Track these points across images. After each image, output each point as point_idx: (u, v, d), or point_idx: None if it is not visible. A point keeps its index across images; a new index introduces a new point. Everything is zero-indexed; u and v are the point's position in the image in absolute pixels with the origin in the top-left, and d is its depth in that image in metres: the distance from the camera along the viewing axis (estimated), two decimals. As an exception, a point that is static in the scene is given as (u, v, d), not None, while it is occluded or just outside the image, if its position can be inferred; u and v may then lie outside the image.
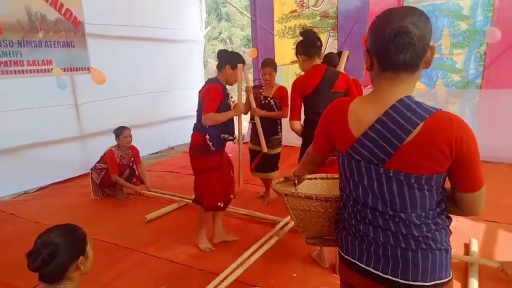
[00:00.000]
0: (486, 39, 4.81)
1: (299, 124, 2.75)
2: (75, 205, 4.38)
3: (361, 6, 5.66)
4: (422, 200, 1.12)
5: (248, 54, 6.63)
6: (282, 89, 3.91)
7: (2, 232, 3.69)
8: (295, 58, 6.70)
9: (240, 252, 3.04)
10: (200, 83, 7.61)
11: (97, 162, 4.46)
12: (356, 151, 1.16)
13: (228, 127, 3.00)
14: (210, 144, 2.91)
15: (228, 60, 2.95)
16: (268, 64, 3.88)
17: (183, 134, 7.22)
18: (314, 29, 6.04)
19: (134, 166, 4.62)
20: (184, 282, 2.75)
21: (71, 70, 5.05)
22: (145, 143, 4.75)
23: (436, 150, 1.05)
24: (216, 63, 3.03)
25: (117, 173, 4.32)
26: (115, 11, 5.65)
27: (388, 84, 1.12)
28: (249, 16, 6.79)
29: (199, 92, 2.99)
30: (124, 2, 5.80)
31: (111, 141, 4.57)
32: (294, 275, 2.77)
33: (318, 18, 6.04)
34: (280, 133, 3.96)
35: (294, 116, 2.73)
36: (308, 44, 2.69)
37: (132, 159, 4.56)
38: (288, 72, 6.22)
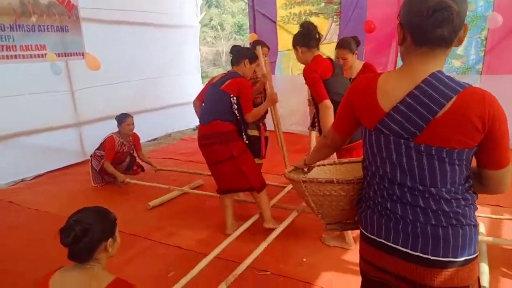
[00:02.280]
0: (487, 25, 4.80)
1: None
2: (75, 192, 4.30)
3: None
4: (452, 174, 1.12)
5: (248, 39, 6.55)
6: None
7: (2, 220, 3.60)
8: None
9: (248, 237, 3.04)
10: (196, 70, 7.63)
11: (96, 149, 4.37)
12: (386, 126, 1.15)
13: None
14: (243, 133, 3.03)
15: (245, 55, 3.07)
16: (266, 46, 3.87)
17: (179, 120, 7.18)
18: (319, 15, 6.09)
19: (135, 154, 4.54)
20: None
21: (65, 56, 4.91)
22: (142, 130, 4.67)
23: (469, 123, 1.05)
24: (230, 58, 3.14)
25: (110, 160, 4.23)
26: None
27: (421, 59, 1.13)
28: (245, 1, 6.67)
29: (226, 83, 2.95)
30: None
31: (108, 127, 4.49)
32: (304, 260, 2.76)
33: (322, 4, 5.99)
34: None
35: (325, 95, 2.55)
36: (308, 36, 2.66)
37: (133, 146, 4.48)
38: (290, 57, 6.16)
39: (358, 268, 2.57)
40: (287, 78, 6.46)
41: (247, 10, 6.74)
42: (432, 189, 1.13)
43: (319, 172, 1.74)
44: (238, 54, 3.10)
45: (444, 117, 1.06)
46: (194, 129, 7.40)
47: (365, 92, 1.21)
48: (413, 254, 1.15)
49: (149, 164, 4.52)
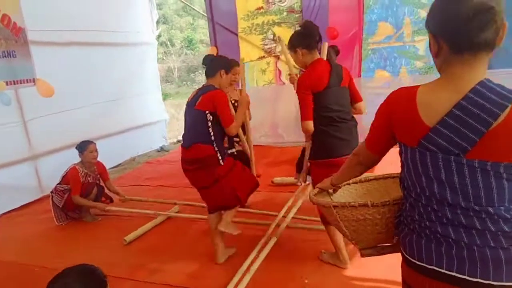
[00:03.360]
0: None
1: (312, 124, 2.49)
2: (37, 234, 3.83)
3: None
4: (510, 191, 1.03)
5: (208, 53, 6.37)
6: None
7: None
8: (261, 54, 6.47)
9: (241, 262, 2.81)
10: (157, 88, 7.32)
11: (58, 184, 3.96)
12: (432, 142, 1.05)
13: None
14: (220, 158, 2.72)
15: (221, 65, 2.85)
16: (237, 64, 3.65)
17: (143, 143, 6.85)
18: (282, 25, 6.05)
19: (101, 184, 4.17)
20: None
21: (14, 83, 4.46)
22: (104, 157, 4.28)
23: None
24: (204, 69, 2.89)
25: (79, 193, 3.85)
26: (60, 15, 5.10)
27: (464, 67, 1.05)
28: (205, 14, 6.52)
29: (198, 101, 2.71)
30: (69, 5, 5.24)
31: (67, 158, 4.11)
32: (306, 281, 2.59)
33: (285, 13, 5.99)
34: None
35: (309, 116, 2.44)
36: (309, 36, 2.46)
37: (99, 176, 4.11)
38: (253, 69, 6.07)
39: (365, 284, 2.49)
40: (252, 90, 6.32)
41: (195, 24, 6.61)
42: (490, 208, 1.02)
43: (345, 191, 1.61)
44: (212, 64, 2.85)
45: (500, 128, 0.98)
46: (158, 151, 7.08)
47: (404, 106, 1.11)
48: (471, 281, 1.04)
49: (116, 194, 4.16)
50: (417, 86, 1.11)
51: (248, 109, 3.90)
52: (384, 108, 1.20)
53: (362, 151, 1.34)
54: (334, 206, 1.34)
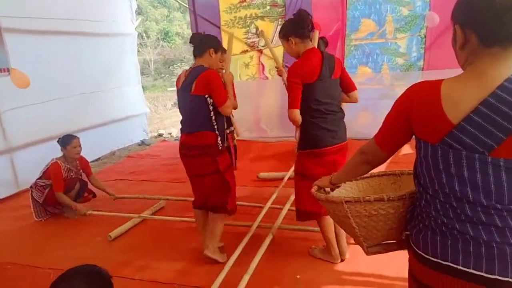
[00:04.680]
0: (426, 24, 5.08)
1: (299, 113, 2.47)
2: (16, 231, 3.69)
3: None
4: None
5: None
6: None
7: None
8: (245, 48, 6.38)
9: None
10: (137, 81, 7.14)
11: (38, 178, 3.82)
12: (456, 139, 1.02)
13: (225, 119, 2.82)
14: (220, 142, 2.66)
15: (210, 43, 2.70)
16: (225, 51, 3.56)
17: (123, 136, 6.69)
18: (265, 18, 6.00)
19: (84, 179, 4.04)
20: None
21: (-13, 73, 4.25)
22: (83, 150, 4.16)
23: None
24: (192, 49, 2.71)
25: (62, 190, 3.71)
26: (36, 2, 4.89)
27: (492, 62, 1.01)
28: (186, 5, 6.40)
29: (194, 86, 2.58)
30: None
31: (45, 151, 4.03)
32: (298, 276, 2.61)
33: (268, 7, 5.93)
34: None
35: (296, 105, 2.42)
36: (301, 24, 2.41)
37: (81, 171, 3.98)
38: (237, 63, 5.99)
39: (356, 279, 2.53)
40: (235, 84, 6.25)
41: (171, 16, 6.46)
42: None
43: (341, 190, 1.59)
44: (201, 43, 2.68)
45: None
46: (139, 144, 6.94)
47: (427, 101, 1.07)
48: (488, 277, 1.03)
49: (105, 191, 4.05)
50: (440, 80, 1.07)
51: (235, 96, 3.82)
52: (403, 101, 1.15)
53: (370, 148, 1.29)
54: (346, 202, 1.30)
